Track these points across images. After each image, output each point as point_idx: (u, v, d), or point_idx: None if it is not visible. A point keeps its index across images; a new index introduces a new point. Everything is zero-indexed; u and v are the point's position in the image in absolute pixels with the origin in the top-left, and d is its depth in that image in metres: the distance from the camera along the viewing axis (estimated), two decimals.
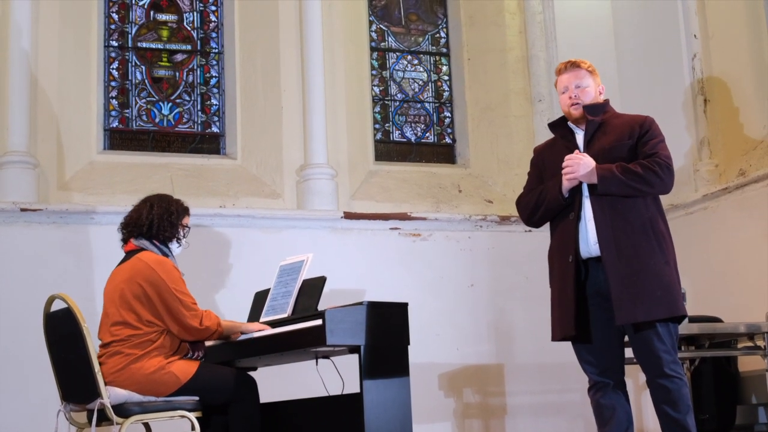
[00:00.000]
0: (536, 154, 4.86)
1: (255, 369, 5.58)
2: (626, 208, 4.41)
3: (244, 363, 5.39)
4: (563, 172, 4.46)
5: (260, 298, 5.58)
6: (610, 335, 4.49)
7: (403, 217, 7.37)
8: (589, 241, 4.44)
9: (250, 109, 7.46)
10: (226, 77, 7.60)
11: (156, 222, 4.99)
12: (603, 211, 4.42)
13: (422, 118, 8.18)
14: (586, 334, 4.46)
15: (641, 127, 4.53)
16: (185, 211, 5.15)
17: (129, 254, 5.00)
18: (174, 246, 5.06)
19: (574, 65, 4.69)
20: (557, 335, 4.56)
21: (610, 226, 4.39)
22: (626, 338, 4.52)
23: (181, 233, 5.08)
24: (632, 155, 4.48)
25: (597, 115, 4.59)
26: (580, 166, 4.42)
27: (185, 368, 4.79)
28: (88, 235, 6.63)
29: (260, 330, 5.05)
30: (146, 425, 5.05)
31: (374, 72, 8.07)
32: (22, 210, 6.47)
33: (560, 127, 4.74)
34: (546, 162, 4.73)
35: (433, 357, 7.12)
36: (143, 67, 7.51)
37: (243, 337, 5.10)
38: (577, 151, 4.51)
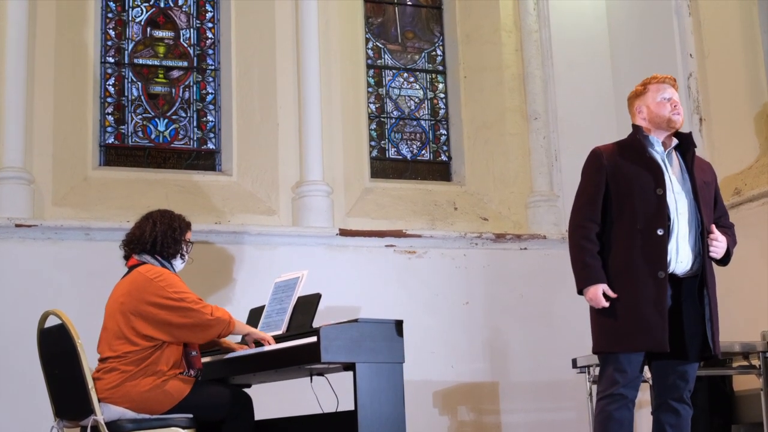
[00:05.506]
0: (601, 156, 4.63)
1: (249, 386, 5.56)
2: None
3: (238, 380, 5.38)
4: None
5: (255, 314, 5.58)
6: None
7: (399, 234, 7.37)
8: (678, 259, 4.48)
9: (246, 125, 7.46)
10: (223, 94, 7.61)
11: (160, 239, 4.94)
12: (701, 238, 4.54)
13: (418, 135, 8.19)
14: (681, 349, 4.47)
15: (714, 175, 4.74)
16: (187, 226, 5.11)
17: (131, 269, 4.97)
18: (177, 262, 5.03)
19: (675, 83, 4.70)
20: (632, 347, 4.42)
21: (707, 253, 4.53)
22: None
23: (185, 249, 5.04)
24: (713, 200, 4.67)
25: None
26: (722, 248, 4.56)
27: (180, 386, 4.76)
28: (82, 251, 6.62)
29: (264, 340, 5.03)
30: None
31: (370, 89, 8.08)
32: (17, 226, 6.47)
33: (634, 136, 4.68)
34: (620, 169, 4.56)
35: (428, 375, 7.11)
36: (139, 84, 7.52)
37: (236, 354, 5.09)
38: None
